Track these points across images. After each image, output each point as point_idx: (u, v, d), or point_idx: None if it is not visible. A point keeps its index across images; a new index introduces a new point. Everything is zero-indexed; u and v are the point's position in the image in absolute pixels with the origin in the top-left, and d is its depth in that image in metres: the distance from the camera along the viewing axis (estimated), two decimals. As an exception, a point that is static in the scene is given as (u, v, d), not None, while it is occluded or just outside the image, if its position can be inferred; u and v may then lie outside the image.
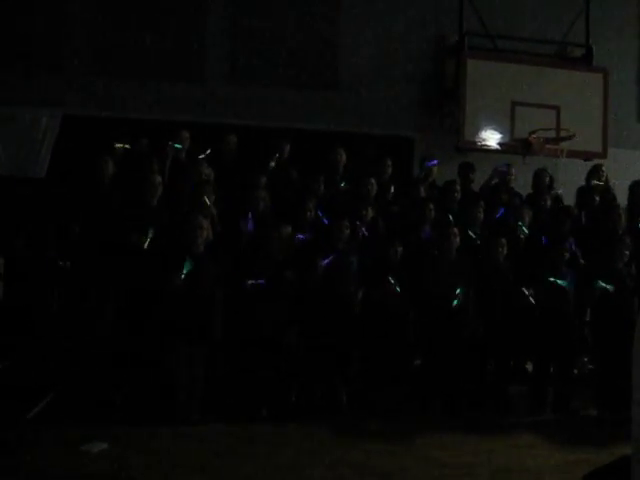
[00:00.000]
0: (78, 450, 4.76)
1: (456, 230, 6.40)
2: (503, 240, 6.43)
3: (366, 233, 6.44)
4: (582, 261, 6.71)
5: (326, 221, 6.48)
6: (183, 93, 8.12)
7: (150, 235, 5.61)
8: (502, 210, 7.14)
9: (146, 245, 5.58)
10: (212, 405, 5.66)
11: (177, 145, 6.51)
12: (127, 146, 6.48)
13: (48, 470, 4.43)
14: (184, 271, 5.51)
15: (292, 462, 4.76)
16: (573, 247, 6.72)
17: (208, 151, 6.61)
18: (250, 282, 5.79)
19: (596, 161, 8.15)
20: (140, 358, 5.60)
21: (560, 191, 7.67)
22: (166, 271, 5.52)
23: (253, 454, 4.91)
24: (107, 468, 4.52)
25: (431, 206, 6.71)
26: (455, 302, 6.10)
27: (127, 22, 8.35)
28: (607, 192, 7.53)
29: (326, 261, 6.02)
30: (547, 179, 7.53)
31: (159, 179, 6.09)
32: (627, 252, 6.43)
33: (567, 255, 6.48)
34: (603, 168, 7.79)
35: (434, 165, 7.47)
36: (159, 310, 5.56)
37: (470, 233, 6.65)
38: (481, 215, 6.82)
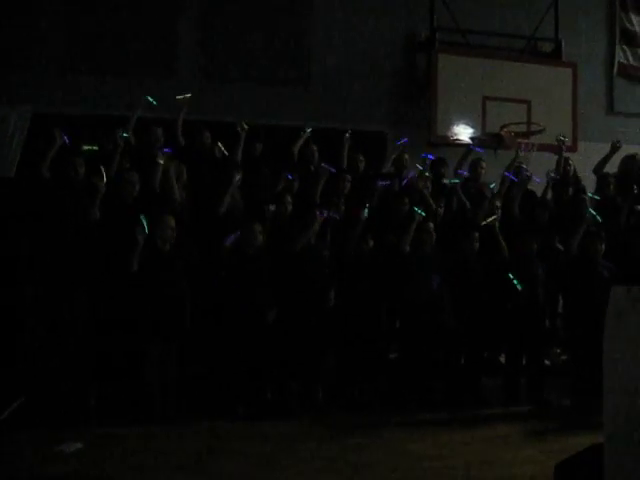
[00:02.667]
0: (52, 451, 4.71)
1: (431, 225, 6.44)
2: (475, 234, 6.48)
3: (335, 216, 6.42)
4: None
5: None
6: (154, 90, 8.04)
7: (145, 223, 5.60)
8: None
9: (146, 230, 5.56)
10: (188, 404, 5.64)
11: (125, 134, 6.42)
12: (95, 148, 6.41)
13: (22, 472, 4.38)
14: (144, 228, 5.53)
15: (268, 458, 4.76)
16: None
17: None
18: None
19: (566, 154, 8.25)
20: (113, 357, 5.56)
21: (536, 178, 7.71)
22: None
23: (230, 451, 4.90)
24: (82, 468, 4.48)
25: (406, 200, 6.74)
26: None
27: (98, 19, 8.26)
28: (576, 184, 7.64)
29: (231, 238, 5.98)
30: (527, 174, 7.59)
31: (136, 176, 6.06)
32: (602, 246, 6.49)
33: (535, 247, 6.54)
34: (570, 160, 7.89)
35: (405, 144, 7.48)
36: (129, 308, 5.53)
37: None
38: (441, 209, 6.84)
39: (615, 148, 7.81)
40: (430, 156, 7.50)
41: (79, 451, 4.77)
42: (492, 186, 7.48)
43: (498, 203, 6.90)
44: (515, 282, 6.28)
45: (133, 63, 8.28)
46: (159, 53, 8.37)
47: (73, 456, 4.69)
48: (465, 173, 7.48)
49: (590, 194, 7.44)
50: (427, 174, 7.10)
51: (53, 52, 8.17)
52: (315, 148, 7.27)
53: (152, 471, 4.48)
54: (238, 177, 6.35)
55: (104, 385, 5.64)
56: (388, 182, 7.01)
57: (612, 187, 7.53)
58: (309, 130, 7.19)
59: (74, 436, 4.95)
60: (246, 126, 6.82)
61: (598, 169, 7.80)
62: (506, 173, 7.30)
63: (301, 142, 7.17)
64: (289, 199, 6.37)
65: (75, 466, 4.52)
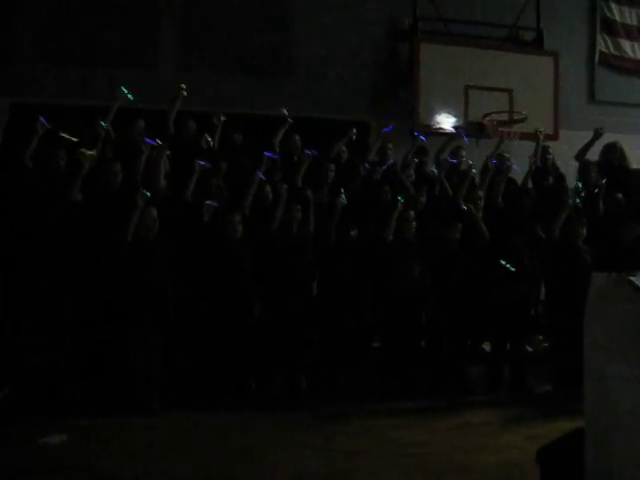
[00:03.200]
0: (37, 443, 4.70)
1: (412, 214, 6.46)
2: (458, 224, 6.51)
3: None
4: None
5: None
6: (136, 80, 7.99)
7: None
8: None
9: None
10: (173, 395, 5.64)
11: (103, 124, 6.38)
12: (74, 139, 6.36)
13: (6, 465, 4.36)
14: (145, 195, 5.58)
15: (254, 448, 4.77)
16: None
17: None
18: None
19: (547, 143, 8.30)
20: (97, 348, 5.55)
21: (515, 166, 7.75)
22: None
23: (215, 441, 4.91)
24: (67, 460, 4.47)
25: (386, 189, 6.76)
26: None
27: (78, 8, 8.19)
28: (556, 172, 7.69)
29: (211, 205, 5.99)
30: (509, 163, 7.62)
31: (118, 166, 6.03)
32: (583, 230, 6.55)
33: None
34: (549, 149, 7.94)
35: (389, 132, 7.49)
36: (113, 299, 5.52)
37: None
38: (423, 199, 6.86)
39: (597, 135, 7.85)
40: (423, 137, 7.51)
41: (64, 443, 4.76)
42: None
43: (481, 193, 6.94)
44: (508, 266, 6.32)
45: (115, 54, 8.22)
46: (141, 44, 8.31)
47: (58, 448, 4.68)
48: (456, 161, 7.48)
49: (577, 185, 7.47)
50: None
51: (35, 43, 8.10)
52: (298, 138, 7.26)
53: (136, 462, 4.48)
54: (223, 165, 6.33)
55: (88, 376, 5.63)
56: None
57: (594, 175, 7.58)
58: (289, 120, 7.12)
59: (58, 427, 4.93)
60: (223, 117, 6.80)
61: (580, 156, 7.85)
62: (493, 161, 7.32)
63: (281, 133, 7.10)
64: (268, 188, 6.37)
65: (60, 458, 4.51)
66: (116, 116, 6.54)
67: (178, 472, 4.32)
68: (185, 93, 6.70)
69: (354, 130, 7.29)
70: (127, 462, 4.47)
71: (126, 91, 6.47)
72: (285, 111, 7.05)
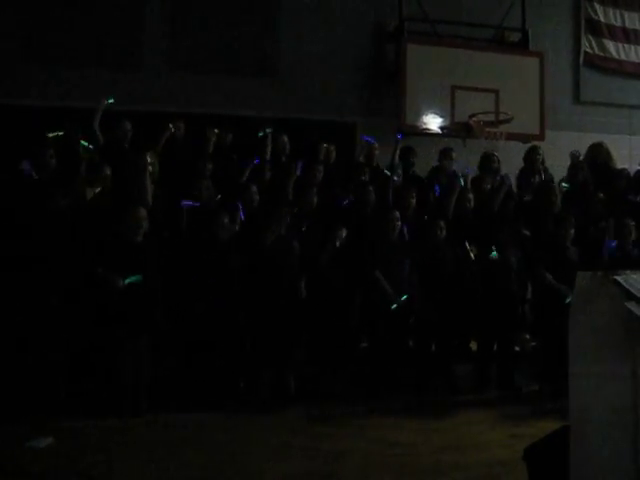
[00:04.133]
0: (23, 447, 4.66)
1: (398, 214, 6.48)
2: (442, 222, 6.54)
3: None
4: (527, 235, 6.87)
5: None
6: (121, 81, 7.98)
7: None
8: (437, 188, 7.22)
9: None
10: (159, 395, 5.62)
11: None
12: (60, 133, 6.35)
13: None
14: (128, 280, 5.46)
15: (241, 449, 4.76)
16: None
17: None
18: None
19: (534, 143, 8.36)
20: (83, 350, 5.52)
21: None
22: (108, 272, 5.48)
23: (202, 442, 4.90)
24: (54, 463, 4.44)
25: (370, 188, 6.77)
26: (394, 306, 6.17)
27: (63, 8, 8.15)
28: (545, 173, 7.73)
29: (187, 203, 5.96)
30: (496, 162, 7.66)
31: (108, 170, 6.02)
32: (572, 231, 6.58)
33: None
34: (540, 150, 7.98)
35: (370, 142, 7.52)
36: (101, 302, 5.49)
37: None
38: (413, 200, 6.88)
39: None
40: (369, 139, 7.57)
41: (51, 446, 4.73)
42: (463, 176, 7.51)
43: (470, 195, 6.98)
44: (494, 255, 6.35)
45: (100, 54, 8.19)
46: (125, 44, 8.28)
47: (45, 451, 4.65)
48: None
49: (564, 185, 7.52)
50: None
51: (19, 44, 8.05)
52: (286, 139, 7.27)
53: (124, 463, 4.46)
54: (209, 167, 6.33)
55: (75, 378, 5.60)
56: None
57: (583, 174, 7.63)
58: (269, 130, 7.09)
59: (45, 431, 4.90)
60: (216, 130, 6.82)
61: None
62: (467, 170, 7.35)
63: (268, 144, 7.07)
64: (254, 189, 6.38)
65: (47, 461, 4.48)
66: (101, 118, 6.53)
67: (164, 473, 4.30)
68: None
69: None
70: (114, 464, 4.44)
71: (112, 100, 6.47)
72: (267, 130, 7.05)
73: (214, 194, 6.45)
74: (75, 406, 5.42)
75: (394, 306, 6.15)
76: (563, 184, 7.60)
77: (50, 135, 6.29)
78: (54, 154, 6.01)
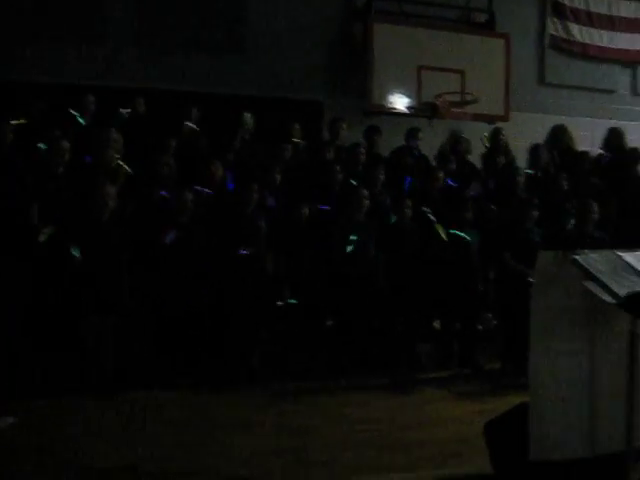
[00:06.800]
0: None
1: (365, 192, 6.51)
2: (408, 201, 6.58)
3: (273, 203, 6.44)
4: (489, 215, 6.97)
5: (231, 185, 6.47)
6: (86, 57, 7.82)
7: (49, 231, 5.45)
8: (408, 180, 7.28)
9: (43, 239, 5.42)
10: (126, 374, 5.60)
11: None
12: (22, 121, 6.23)
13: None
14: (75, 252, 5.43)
15: (208, 427, 4.79)
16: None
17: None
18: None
19: (498, 124, 8.45)
20: (48, 328, 5.47)
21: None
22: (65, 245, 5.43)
23: (168, 421, 4.90)
24: (18, 441, 4.42)
25: (338, 168, 6.79)
26: (349, 248, 6.20)
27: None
28: (507, 154, 7.83)
29: (170, 237, 5.90)
30: (463, 143, 7.72)
31: (66, 145, 5.93)
32: (535, 213, 6.67)
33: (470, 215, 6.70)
34: (502, 131, 8.07)
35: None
36: (66, 280, 5.44)
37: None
38: (382, 177, 6.92)
39: None
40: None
41: (13, 425, 4.70)
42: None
43: (440, 174, 7.05)
44: (461, 234, 6.45)
45: (64, 29, 8.00)
46: (90, 19, 8.10)
47: (7, 430, 4.61)
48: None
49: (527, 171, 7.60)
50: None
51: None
52: (250, 115, 7.25)
53: (89, 443, 4.44)
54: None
55: (39, 356, 5.54)
56: None
57: (544, 157, 7.73)
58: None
59: (7, 411, 4.86)
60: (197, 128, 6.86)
61: None
62: None
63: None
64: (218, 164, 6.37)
65: (10, 440, 4.46)
66: (64, 92, 6.43)
67: (130, 452, 4.30)
68: None
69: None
70: (79, 443, 4.43)
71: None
72: None
73: (174, 170, 6.41)
74: (40, 385, 5.36)
75: (349, 248, 6.19)
76: (526, 170, 7.67)
77: (13, 123, 6.16)
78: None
